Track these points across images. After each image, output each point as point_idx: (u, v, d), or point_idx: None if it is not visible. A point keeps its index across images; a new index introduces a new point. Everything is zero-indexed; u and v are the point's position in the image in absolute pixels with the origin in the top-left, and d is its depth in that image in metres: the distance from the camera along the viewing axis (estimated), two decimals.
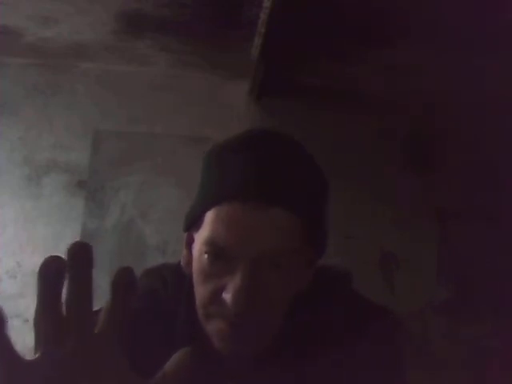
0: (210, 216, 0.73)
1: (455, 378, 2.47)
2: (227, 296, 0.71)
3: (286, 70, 2.43)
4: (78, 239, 2.49)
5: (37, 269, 0.41)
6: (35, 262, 2.45)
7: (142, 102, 2.63)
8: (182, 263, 0.81)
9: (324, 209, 0.80)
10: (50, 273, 0.41)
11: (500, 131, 2.59)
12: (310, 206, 0.76)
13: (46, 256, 0.41)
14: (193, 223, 0.77)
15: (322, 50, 2.25)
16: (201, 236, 0.75)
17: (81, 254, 0.42)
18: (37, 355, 0.42)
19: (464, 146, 2.63)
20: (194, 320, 0.77)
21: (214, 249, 0.72)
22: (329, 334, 0.78)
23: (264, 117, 2.60)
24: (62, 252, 0.42)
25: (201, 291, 0.75)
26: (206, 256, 0.73)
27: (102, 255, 2.50)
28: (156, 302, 0.83)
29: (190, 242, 0.79)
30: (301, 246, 0.75)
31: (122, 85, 2.64)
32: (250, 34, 2.00)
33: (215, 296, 0.73)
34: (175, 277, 0.84)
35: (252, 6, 1.89)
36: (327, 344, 0.77)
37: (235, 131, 0.81)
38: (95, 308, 0.44)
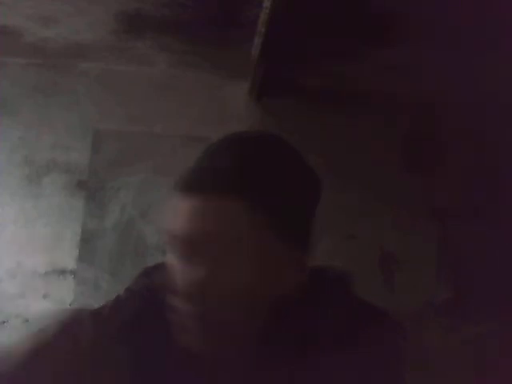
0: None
1: (455, 378, 2.47)
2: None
3: (286, 70, 2.43)
4: (78, 239, 2.50)
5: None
6: (35, 262, 2.46)
7: (142, 101, 2.63)
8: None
9: (300, 205, 0.79)
10: None
11: (500, 131, 2.59)
12: (268, 196, 0.75)
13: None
14: None
15: (322, 50, 2.25)
16: None
17: None
18: None
19: (464, 145, 2.63)
20: None
21: (168, 238, 0.79)
22: (326, 335, 0.78)
23: (264, 117, 2.60)
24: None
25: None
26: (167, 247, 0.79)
27: (102, 255, 2.50)
28: (155, 301, 0.83)
29: None
30: (257, 236, 0.74)
31: (121, 85, 2.64)
32: (250, 34, 2.00)
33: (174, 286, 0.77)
34: None
35: (252, 6, 1.89)
36: (325, 346, 0.77)
37: (235, 131, 0.81)
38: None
